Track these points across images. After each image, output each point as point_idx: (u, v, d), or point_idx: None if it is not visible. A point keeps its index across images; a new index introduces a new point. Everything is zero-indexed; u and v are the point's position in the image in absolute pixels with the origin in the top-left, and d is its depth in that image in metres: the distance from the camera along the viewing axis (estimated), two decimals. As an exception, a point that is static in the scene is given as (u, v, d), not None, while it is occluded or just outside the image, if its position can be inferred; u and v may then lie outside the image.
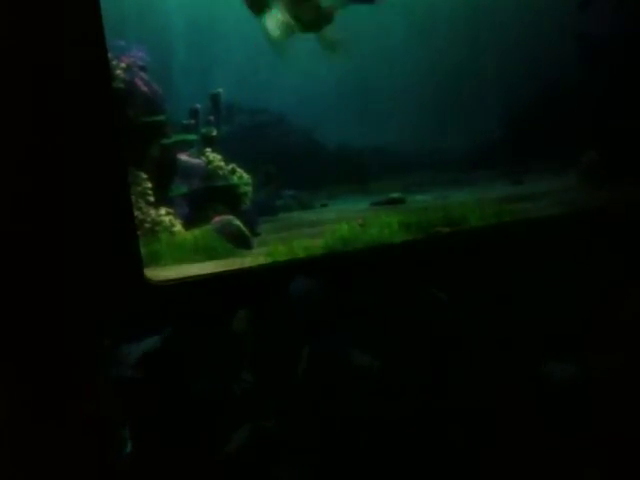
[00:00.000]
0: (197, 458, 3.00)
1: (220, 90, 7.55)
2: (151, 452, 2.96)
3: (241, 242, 5.73)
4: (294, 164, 9.22)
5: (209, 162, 6.87)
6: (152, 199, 5.64)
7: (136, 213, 5.10)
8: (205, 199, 6.43)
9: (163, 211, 5.70)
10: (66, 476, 2.88)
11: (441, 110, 10.36)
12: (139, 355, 3.25)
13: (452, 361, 3.44)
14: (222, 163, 6.92)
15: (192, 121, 7.12)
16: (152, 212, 5.57)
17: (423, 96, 9.99)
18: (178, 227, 5.73)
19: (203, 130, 7.11)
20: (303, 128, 10.70)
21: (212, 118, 7.32)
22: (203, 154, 6.90)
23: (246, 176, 7.03)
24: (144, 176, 5.64)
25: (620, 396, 3.08)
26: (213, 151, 6.97)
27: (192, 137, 6.96)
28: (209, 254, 5.16)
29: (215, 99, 7.52)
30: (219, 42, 10.09)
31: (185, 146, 6.85)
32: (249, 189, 7.04)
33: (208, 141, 7.10)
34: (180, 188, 6.32)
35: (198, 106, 7.29)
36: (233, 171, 6.99)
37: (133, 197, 5.04)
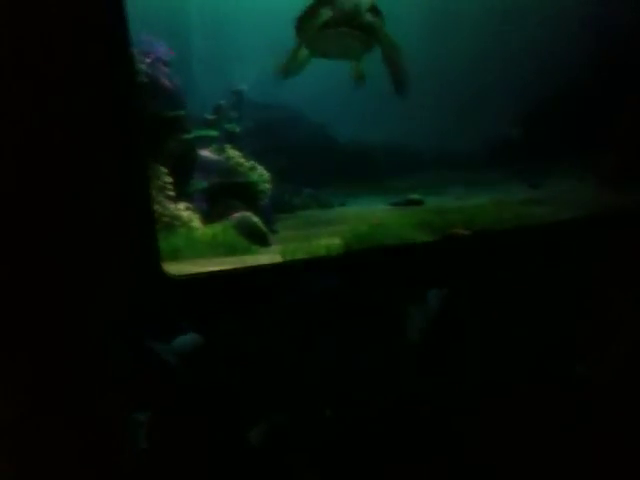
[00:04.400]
0: (212, 454, 3.02)
1: (244, 87, 7.59)
2: (166, 447, 2.99)
3: (258, 239, 5.76)
4: (311, 162, 9.23)
5: (229, 158, 6.90)
6: (172, 193, 5.67)
7: (155, 207, 5.12)
8: (224, 195, 6.46)
9: (182, 206, 5.73)
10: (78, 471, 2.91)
11: (458, 109, 10.32)
12: (184, 347, 3.29)
13: (465, 361, 3.44)
14: (242, 160, 6.96)
15: (215, 117, 7.16)
16: (171, 206, 5.60)
17: (439, 95, 9.98)
18: (197, 222, 5.76)
19: (227, 126, 7.15)
20: (321, 125, 10.71)
21: (233, 114, 7.37)
22: (224, 150, 6.94)
23: (265, 173, 7.06)
24: (164, 170, 5.67)
25: (629, 395, 3.07)
26: (233, 147, 7.01)
27: (213, 133, 7.00)
28: (226, 250, 5.18)
29: (239, 95, 7.56)
30: (237, 39, 10.14)
31: (206, 142, 6.89)
32: (268, 186, 7.07)
33: (230, 137, 7.14)
34: (200, 183, 6.36)
35: (222, 102, 7.33)
36: (253, 168, 7.02)
37: (153, 191, 5.08)
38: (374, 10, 5.69)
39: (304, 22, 5.89)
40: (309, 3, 5.76)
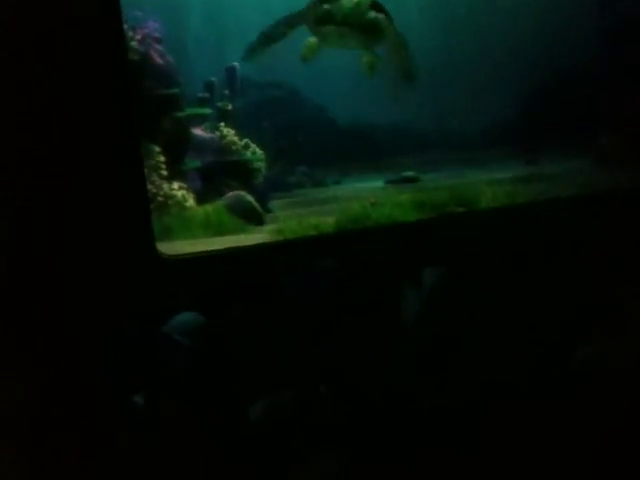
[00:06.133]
0: (213, 432, 3.04)
1: (236, 64, 7.49)
2: (166, 428, 3.00)
3: (253, 218, 5.74)
4: (307, 140, 9.18)
5: (223, 137, 6.86)
6: (165, 173, 5.64)
7: (149, 187, 5.10)
8: (218, 174, 6.43)
9: (176, 185, 5.70)
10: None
11: (456, 88, 10.27)
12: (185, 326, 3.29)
13: (463, 345, 3.44)
14: (236, 138, 6.91)
15: (207, 94, 7.10)
16: (165, 186, 5.58)
17: (438, 74, 9.92)
18: (191, 201, 5.73)
19: (219, 104, 7.08)
20: (316, 103, 10.63)
21: (227, 92, 7.30)
22: (217, 128, 6.89)
23: (259, 151, 7.03)
24: (157, 149, 5.63)
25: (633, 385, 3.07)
26: (227, 126, 6.96)
27: (206, 111, 6.94)
28: (220, 229, 5.17)
29: (231, 73, 7.47)
30: (232, 14, 10.02)
31: (199, 120, 6.84)
32: (262, 165, 7.04)
33: (223, 115, 7.08)
34: (193, 162, 6.32)
35: (214, 79, 7.26)
36: (247, 146, 6.99)
37: (146, 170, 5.05)
38: (376, 6, 5.71)
39: (307, 16, 6.00)
40: None
